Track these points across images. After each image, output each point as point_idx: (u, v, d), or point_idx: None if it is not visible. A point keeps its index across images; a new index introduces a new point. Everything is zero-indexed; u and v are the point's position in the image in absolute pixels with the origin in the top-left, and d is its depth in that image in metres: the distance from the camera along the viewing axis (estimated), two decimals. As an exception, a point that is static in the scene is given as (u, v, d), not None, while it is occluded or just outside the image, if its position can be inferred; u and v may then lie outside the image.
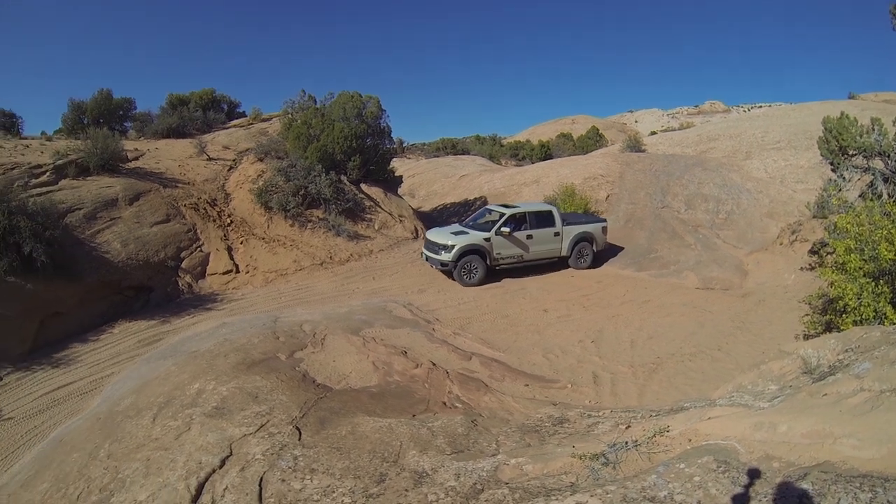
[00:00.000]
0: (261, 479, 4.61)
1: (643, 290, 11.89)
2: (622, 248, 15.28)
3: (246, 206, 15.08)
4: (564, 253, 13.78)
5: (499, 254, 13.00)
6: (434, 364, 7.75)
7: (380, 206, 17.10)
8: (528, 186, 21.68)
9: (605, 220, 14.75)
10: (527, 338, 9.31)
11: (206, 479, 4.73)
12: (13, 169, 12.36)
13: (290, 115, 18.93)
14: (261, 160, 16.88)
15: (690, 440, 3.82)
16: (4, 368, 8.54)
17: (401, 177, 21.39)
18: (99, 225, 12.06)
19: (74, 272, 10.51)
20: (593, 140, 43.72)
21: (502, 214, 13.27)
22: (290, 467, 4.76)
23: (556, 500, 3.44)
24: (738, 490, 3.00)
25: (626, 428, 4.61)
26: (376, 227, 15.99)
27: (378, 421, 5.71)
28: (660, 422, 4.35)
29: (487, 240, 12.83)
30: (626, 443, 4.05)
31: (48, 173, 12.83)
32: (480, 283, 12.68)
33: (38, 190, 11.94)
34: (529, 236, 13.26)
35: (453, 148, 43.99)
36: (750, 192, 18.28)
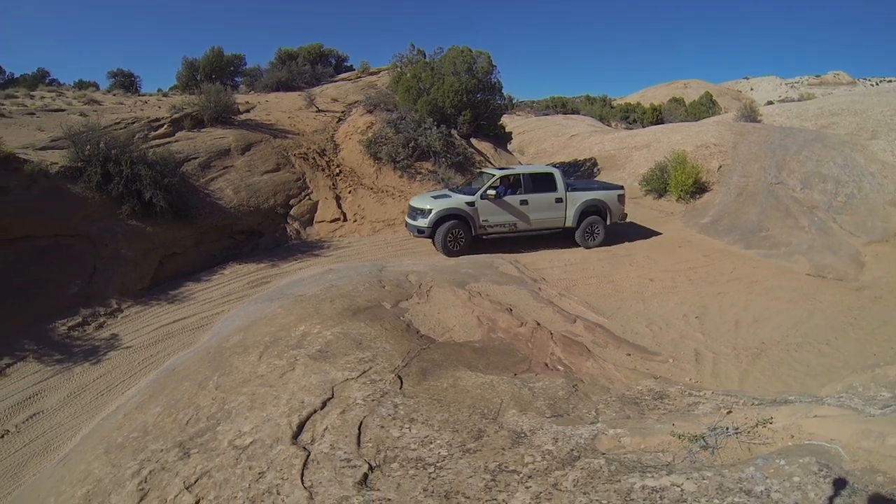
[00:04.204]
0: (360, 424, 4.70)
1: (751, 270, 11.27)
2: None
3: (355, 156, 15.38)
4: (570, 224, 12.37)
5: (485, 221, 11.79)
6: (538, 324, 7.68)
7: (489, 161, 16.93)
8: (638, 150, 21.06)
9: (621, 188, 13.29)
10: (631, 306, 9.10)
11: (308, 419, 4.87)
12: (133, 123, 13.38)
13: (399, 69, 19.10)
14: (370, 112, 17.09)
15: (793, 436, 3.76)
16: (126, 302, 9.26)
17: (510, 133, 21.24)
18: (212, 173, 12.81)
19: (190, 217, 11.24)
20: (706, 107, 42.47)
21: (492, 176, 12.11)
22: (389, 415, 4.84)
23: (652, 477, 3.48)
24: (837, 499, 2.96)
25: (728, 413, 4.54)
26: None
27: (480, 376, 5.75)
28: (763, 412, 4.27)
29: (471, 204, 11.61)
30: (727, 428, 4.03)
31: (165, 126, 13.78)
32: (463, 254, 11.58)
33: (157, 141, 12.84)
34: (524, 202, 11.97)
35: (563, 107, 43.90)
36: (874, 176, 16.57)
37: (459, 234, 11.53)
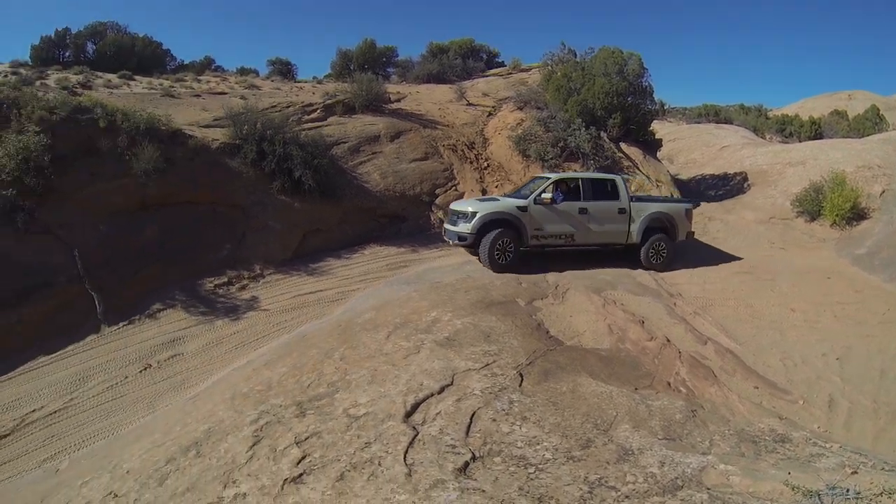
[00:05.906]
0: (473, 414, 4.76)
1: (909, 313, 9.76)
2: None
3: (503, 151, 15.49)
4: (633, 240, 10.88)
5: (539, 230, 10.25)
6: (668, 340, 7.45)
7: (638, 168, 16.22)
8: (792, 167, 19.15)
9: (690, 202, 11.73)
10: (767, 335, 8.36)
11: (423, 401, 4.98)
12: (289, 107, 14.51)
13: (549, 67, 18.90)
14: (520, 109, 17.10)
15: (921, 514, 3.41)
16: (268, 269, 10.02)
17: (660, 140, 20.24)
18: (361, 158, 13.48)
19: (336, 197, 11.91)
20: (872, 122, 37.44)
21: (547, 179, 10.71)
22: (503, 410, 4.89)
23: (754, 527, 3.24)
24: None
25: (852, 473, 4.27)
26: (633, 189, 15.14)
27: (600, 386, 5.70)
28: (892, 480, 3.94)
29: (523, 209, 10.09)
30: (847, 490, 3.74)
31: (318, 111, 14.79)
32: (512, 268, 10.01)
33: (309, 125, 13.81)
34: (583, 210, 10.51)
35: (716, 115, 41.47)
36: None
37: (508, 245, 10.05)
